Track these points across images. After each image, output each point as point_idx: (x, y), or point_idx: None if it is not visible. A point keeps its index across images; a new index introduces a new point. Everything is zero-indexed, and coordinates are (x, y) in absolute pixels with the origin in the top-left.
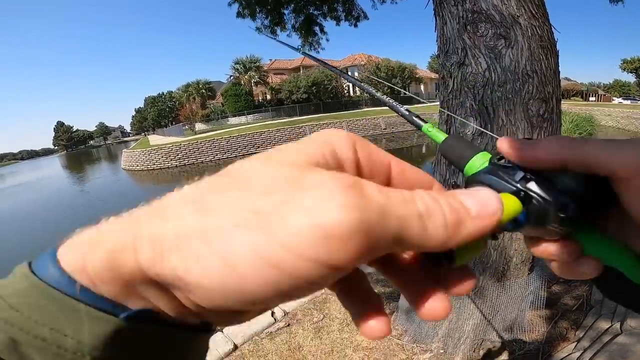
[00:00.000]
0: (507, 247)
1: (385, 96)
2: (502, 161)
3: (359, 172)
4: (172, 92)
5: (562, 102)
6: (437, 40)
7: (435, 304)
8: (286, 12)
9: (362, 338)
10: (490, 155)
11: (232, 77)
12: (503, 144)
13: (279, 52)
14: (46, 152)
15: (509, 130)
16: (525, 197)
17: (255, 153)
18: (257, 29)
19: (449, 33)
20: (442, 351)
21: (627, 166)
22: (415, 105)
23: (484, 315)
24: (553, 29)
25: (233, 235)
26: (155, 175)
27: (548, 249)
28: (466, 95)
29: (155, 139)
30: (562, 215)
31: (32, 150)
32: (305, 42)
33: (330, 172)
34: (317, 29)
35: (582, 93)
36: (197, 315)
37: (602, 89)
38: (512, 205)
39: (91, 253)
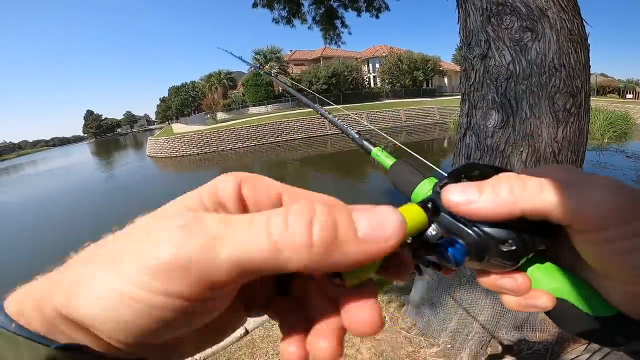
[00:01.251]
0: None
1: (337, 118)
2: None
3: (244, 206)
4: (195, 82)
5: (597, 98)
6: (459, 32)
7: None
8: (305, 3)
9: None
10: (435, 181)
11: (252, 68)
12: (447, 200)
13: (300, 43)
14: (76, 139)
15: (532, 124)
16: (433, 208)
17: (274, 142)
18: (274, 19)
19: (472, 25)
20: (449, 346)
21: (586, 220)
22: (439, 98)
23: (494, 311)
24: (585, 22)
25: (102, 280)
26: (177, 162)
27: (496, 282)
28: (488, 87)
29: (178, 127)
30: (503, 249)
31: (63, 137)
32: (326, 36)
33: (179, 215)
34: (338, 22)
35: (619, 90)
36: (126, 351)
37: None
38: (416, 218)
39: (25, 301)
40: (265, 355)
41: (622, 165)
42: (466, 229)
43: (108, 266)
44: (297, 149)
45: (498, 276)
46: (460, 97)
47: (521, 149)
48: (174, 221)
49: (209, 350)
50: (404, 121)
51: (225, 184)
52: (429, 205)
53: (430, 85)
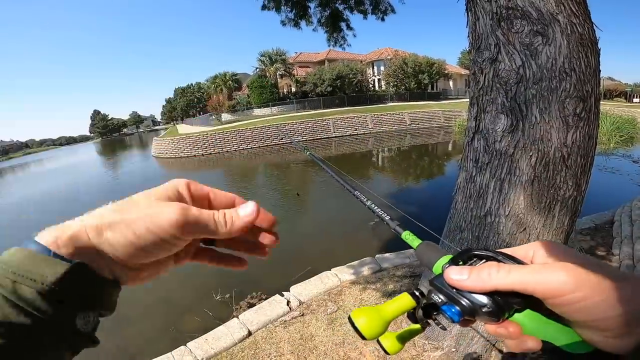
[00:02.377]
0: (531, 241)
1: (370, 202)
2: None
3: (192, 200)
4: (200, 83)
5: (603, 102)
6: (468, 36)
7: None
8: (311, 5)
9: None
10: (450, 258)
11: (258, 69)
12: (449, 280)
13: (305, 45)
14: (83, 139)
15: (542, 129)
16: (420, 298)
17: (277, 144)
18: (282, 22)
19: (481, 29)
20: (453, 350)
21: (545, 291)
22: (444, 102)
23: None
24: (595, 27)
25: (137, 223)
26: (182, 163)
27: (496, 330)
28: (498, 91)
29: (183, 128)
30: (484, 310)
31: (70, 136)
32: (331, 38)
33: (174, 202)
34: (343, 24)
35: (626, 94)
36: (113, 272)
37: None
38: (407, 303)
39: (62, 234)
40: (268, 357)
41: (629, 170)
42: (459, 299)
43: (138, 215)
44: (302, 151)
45: (496, 326)
46: (465, 100)
47: (530, 154)
48: (168, 205)
49: (211, 352)
50: (409, 124)
51: (181, 186)
52: (417, 293)
53: (435, 88)
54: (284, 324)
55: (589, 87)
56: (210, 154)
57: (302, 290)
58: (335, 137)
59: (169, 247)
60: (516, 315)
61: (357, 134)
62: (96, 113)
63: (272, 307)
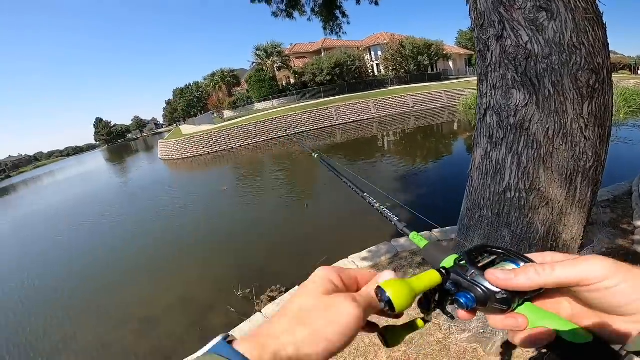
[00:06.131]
0: (555, 222)
1: (376, 202)
2: (462, 262)
3: (345, 285)
4: (198, 82)
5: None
6: (469, 15)
7: None
8: None
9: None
10: (456, 257)
11: (255, 64)
12: (495, 280)
13: (299, 36)
14: (89, 148)
15: (556, 101)
16: (445, 275)
17: (283, 136)
18: (274, 13)
19: (482, 7)
20: (481, 331)
21: (587, 278)
22: (445, 82)
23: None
24: (598, 1)
25: (326, 330)
26: (190, 163)
27: (504, 321)
28: (507, 67)
29: (186, 128)
30: (498, 297)
31: (76, 146)
32: (326, 26)
33: (339, 294)
34: (338, 12)
35: (631, 66)
36: None
37: None
38: (435, 278)
39: (264, 351)
40: None
41: None
42: (475, 287)
43: (320, 325)
44: (306, 141)
45: (504, 317)
46: (467, 79)
47: (547, 126)
48: (345, 297)
49: None
50: (412, 106)
51: (332, 275)
52: (442, 270)
53: (435, 69)
54: None
55: (600, 59)
56: (217, 151)
57: None
58: (339, 124)
59: (352, 340)
60: (519, 308)
61: (360, 120)
62: (99, 121)
63: None
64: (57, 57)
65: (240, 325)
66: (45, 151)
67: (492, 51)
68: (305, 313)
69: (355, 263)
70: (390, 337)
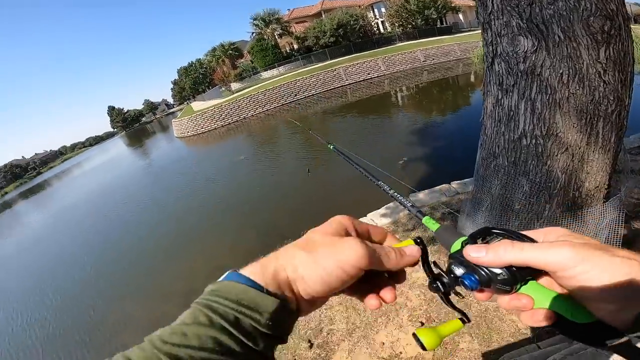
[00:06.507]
0: (577, 169)
1: (391, 189)
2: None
3: (357, 234)
4: (200, 59)
5: (632, 27)
6: None
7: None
8: None
9: (418, 275)
10: (464, 239)
11: (254, 34)
12: (468, 256)
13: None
14: (108, 135)
15: (569, 47)
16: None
17: (293, 101)
18: None
19: None
20: None
21: (553, 264)
22: (457, 35)
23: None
24: None
25: (325, 259)
26: (205, 138)
27: (510, 302)
28: (510, 14)
29: (197, 105)
30: (499, 278)
31: (96, 135)
32: None
33: (350, 237)
34: None
35: None
36: (298, 305)
37: None
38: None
39: (264, 273)
40: (319, 309)
41: None
42: (478, 270)
43: (324, 254)
44: (317, 103)
45: (510, 298)
46: (480, 31)
47: (561, 71)
48: (355, 239)
49: None
50: (423, 61)
51: (347, 222)
52: (418, 241)
53: (445, 23)
54: None
55: (613, 5)
56: (230, 123)
57: None
58: (349, 84)
59: (349, 280)
60: (524, 288)
61: (370, 78)
62: (111, 109)
63: None
64: (57, 55)
65: None
66: (68, 144)
67: None
68: (311, 243)
69: (374, 221)
70: (427, 340)
